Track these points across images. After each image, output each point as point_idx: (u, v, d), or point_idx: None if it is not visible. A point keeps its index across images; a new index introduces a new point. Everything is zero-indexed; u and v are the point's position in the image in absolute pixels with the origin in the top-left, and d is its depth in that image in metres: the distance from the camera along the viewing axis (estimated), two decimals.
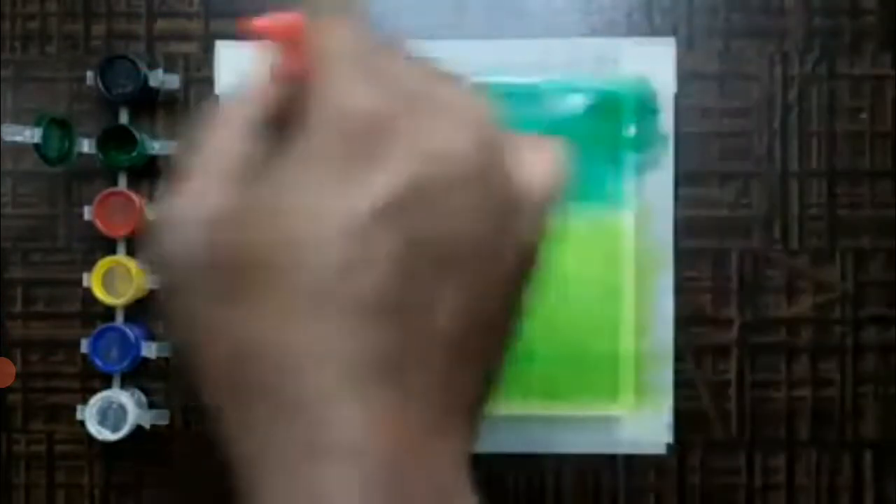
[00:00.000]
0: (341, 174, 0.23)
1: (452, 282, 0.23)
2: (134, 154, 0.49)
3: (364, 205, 0.22)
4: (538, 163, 0.26)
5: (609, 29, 0.51)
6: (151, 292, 0.50)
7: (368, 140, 0.23)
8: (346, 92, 0.23)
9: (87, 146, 0.49)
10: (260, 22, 0.27)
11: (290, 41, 0.26)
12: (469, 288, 0.24)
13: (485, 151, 0.24)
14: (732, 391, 0.51)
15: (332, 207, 0.22)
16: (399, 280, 0.23)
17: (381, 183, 0.22)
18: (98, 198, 0.49)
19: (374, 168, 0.23)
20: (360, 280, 0.22)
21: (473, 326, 0.24)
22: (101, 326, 0.49)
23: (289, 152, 0.23)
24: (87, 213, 0.49)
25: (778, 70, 0.51)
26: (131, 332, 0.49)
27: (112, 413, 0.48)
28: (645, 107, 0.50)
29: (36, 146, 0.47)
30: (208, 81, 0.51)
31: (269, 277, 0.23)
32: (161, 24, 0.52)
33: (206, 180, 0.25)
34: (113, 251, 0.50)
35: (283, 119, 0.25)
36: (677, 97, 0.51)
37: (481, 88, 0.26)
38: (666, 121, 0.51)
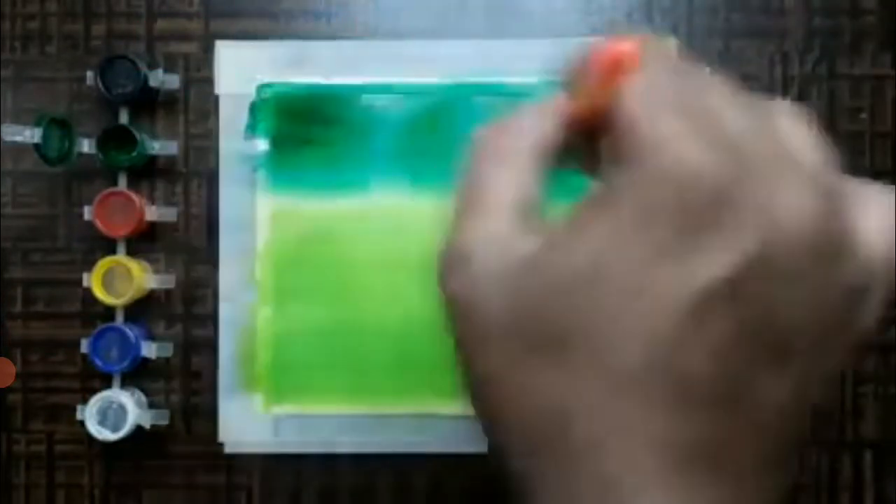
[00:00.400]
0: (671, 246, 0.20)
1: (788, 370, 0.21)
2: (134, 154, 0.49)
3: (697, 283, 0.20)
4: (884, 220, 0.22)
5: (609, 29, 0.51)
6: (151, 292, 0.50)
7: (704, 208, 0.20)
8: (679, 150, 0.20)
9: (87, 146, 0.49)
10: (599, 49, 0.23)
11: (609, 72, 0.23)
12: (804, 377, 0.21)
13: (831, 213, 0.20)
14: None
15: (660, 283, 0.20)
16: (728, 365, 0.20)
17: (718, 258, 0.20)
18: (98, 198, 0.49)
19: (710, 240, 0.20)
20: (686, 363, 0.20)
21: (795, 416, 0.21)
22: (101, 326, 0.49)
23: (605, 208, 0.21)
24: (87, 213, 0.49)
25: (778, 70, 0.51)
26: (131, 332, 0.49)
27: (112, 413, 0.48)
28: None
29: (36, 146, 0.47)
30: (208, 81, 0.51)
31: (586, 345, 0.21)
32: (161, 24, 0.52)
33: (500, 220, 0.22)
34: (113, 251, 0.50)
35: (583, 154, 0.23)
36: None
37: (806, 118, 0.22)
38: None
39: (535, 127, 0.24)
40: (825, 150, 0.22)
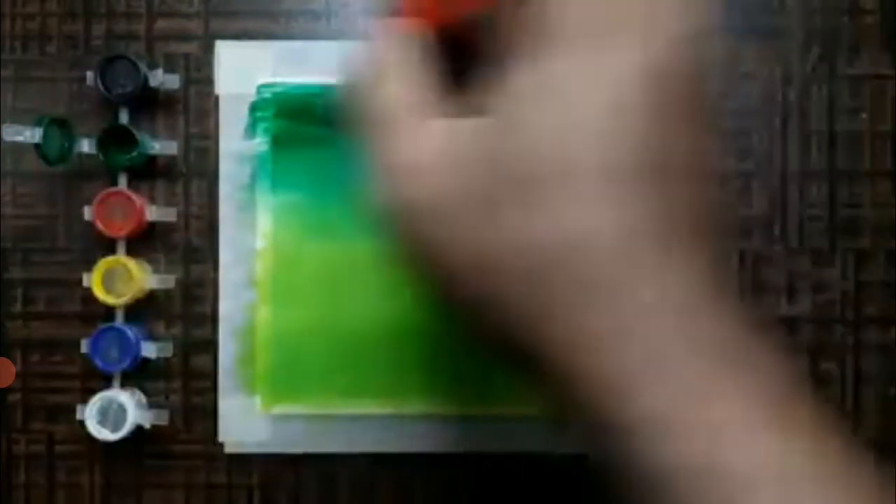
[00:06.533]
0: (592, 57, 0.24)
1: (694, 124, 0.25)
2: (134, 154, 0.49)
3: (612, 78, 0.23)
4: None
5: None
6: (151, 292, 0.50)
7: (610, 21, 0.24)
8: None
9: (87, 146, 0.49)
10: None
11: None
12: (700, 126, 0.25)
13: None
14: None
15: (588, 91, 0.23)
16: (658, 135, 0.24)
17: (637, 51, 0.24)
18: (98, 198, 0.49)
19: (622, 41, 0.24)
20: (631, 146, 0.23)
21: (708, 159, 0.25)
22: (101, 326, 0.49)
23: (521, 68, 0.24)
24: (87, 213, 0.49)
25: (778, 70, 0.51)
26: (131, 332, 0.49)
27: (112, 413, 0.48)
28: None
29: (36, 146, 0.47)
30: (208, 81, 0.51)
31: (544, 175, 0.23)
32: (161, 24, 0.52)
33: (423, 115, 0.26)
34: (113, 251, 0.50)
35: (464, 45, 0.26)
36: None
37: None
38: None
39: (400, 45, 0.27)
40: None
